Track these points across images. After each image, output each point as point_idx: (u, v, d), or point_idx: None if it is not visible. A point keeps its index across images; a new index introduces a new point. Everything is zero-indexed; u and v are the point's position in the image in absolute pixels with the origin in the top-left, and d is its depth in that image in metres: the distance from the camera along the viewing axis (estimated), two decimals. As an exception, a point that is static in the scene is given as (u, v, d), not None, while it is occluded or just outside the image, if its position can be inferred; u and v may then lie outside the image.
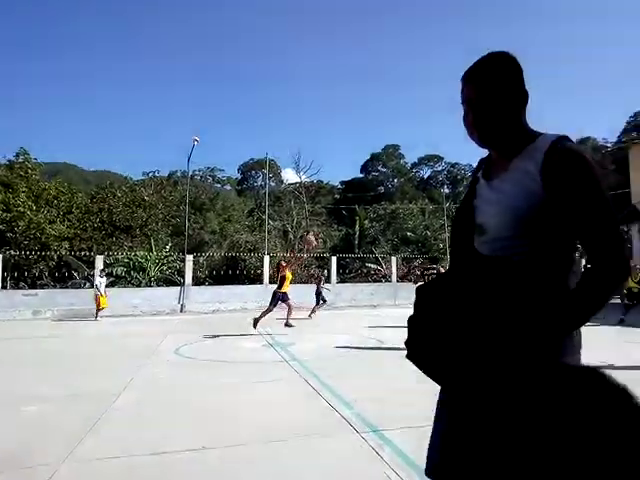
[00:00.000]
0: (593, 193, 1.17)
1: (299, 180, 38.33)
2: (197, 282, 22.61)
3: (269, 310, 11.42)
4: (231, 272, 22.36)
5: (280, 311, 12.83)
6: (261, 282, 21.31)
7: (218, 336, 10.86)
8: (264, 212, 26.44)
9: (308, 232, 33.56)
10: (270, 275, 21.93)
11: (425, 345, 1.23)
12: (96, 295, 15.87)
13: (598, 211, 1.16)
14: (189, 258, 20.41)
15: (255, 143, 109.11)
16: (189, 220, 26.80)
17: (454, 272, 1.38)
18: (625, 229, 20.57)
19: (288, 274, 11.57)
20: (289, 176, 76.47)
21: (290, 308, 11.58)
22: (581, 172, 1.18)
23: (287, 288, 11.53)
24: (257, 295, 20.40)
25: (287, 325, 11.38)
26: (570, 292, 1.19)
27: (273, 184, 50.69)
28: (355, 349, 8.57)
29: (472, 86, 1.33)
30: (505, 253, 1.25)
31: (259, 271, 22.50)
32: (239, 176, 59.85)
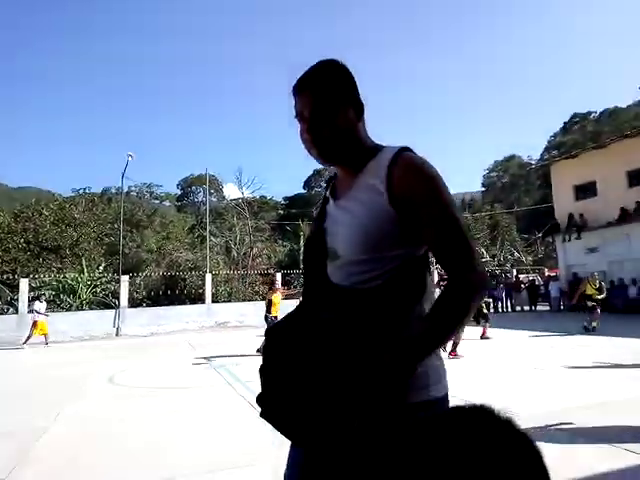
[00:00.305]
0: (437, 204, 1.10)
1: (241, 196, 37.86)
2: (134, 304, 21.50)
3: None
4: (170, 292, 21.50)
5: (222, 331, 12.46)
6: (203, 301, 20.65)
7: (157, 361, 10.33)
8: (205, 228, 25.78)
9: (252, 248, 33.20)
10: (213, 294, 21.31)
11: (277, 400, 1.08)
12: (34, 322, 14.27)
13: (444, 223, 1.09)
14: (124, 279, 19.40)
15: (195, 159, 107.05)
16: (124, 238, 25.58)
17: (304, 308, 1.22)
18: (550, 240, 22.11)
19: (275, 298, 10.88)
20: (231, 191, 75.40)
21: None
22: (424, 183, 1.11)
23: (277, 312, 10.74)
24: (199, 315, 19.74)
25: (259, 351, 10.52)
26: (428, 312, 1.09)
27: (214, 200, 49.67)
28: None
29: (304, 98, 1.19)
30: (359, 279, 1.14)
31: (201, 290, 21.81)
32: (178, 192, 58.21)
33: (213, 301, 20.89)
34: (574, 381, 6.33)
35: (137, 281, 23.46)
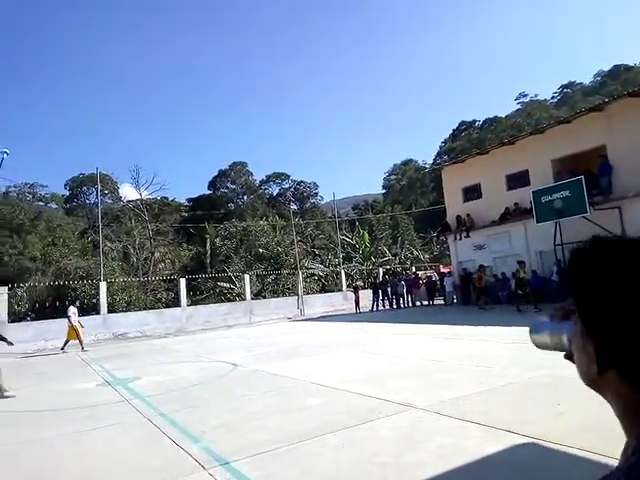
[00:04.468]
0: None
1: (140, 197, 35.58)
2: (16, 318, 19.20)
3: None
4: (59, 303, 19.49)
5: (120, 343, 11.46)
6: (98, 312, 19.02)
7: (44, 380, 9.27)
8: (99, 233, 23.80)
9: (153, 253, 31.38)
10: (109, 303, 19.74)
11: None
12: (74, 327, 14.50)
13: None
14: (2, 290, 17.20)
15: (85, 157, 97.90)
16: (3, 245, 22.78)
17: None
18: (444, 239, 23.87)
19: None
20: (128, 193, 70.45)
21: None
22: None
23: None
24: (94, 327, 18.15)
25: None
26: None
27: (109, 201, 46.08)
28: (207, 376, 8.13)
29: None
30: None
31: (95, 300, 20.08)
32: (67, 193, 53.07)
33: (110, 311, 19.35)
34: (466, 369, 6.85)
35: (19, 293, 20.96)
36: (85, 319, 18.70)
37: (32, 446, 4.83)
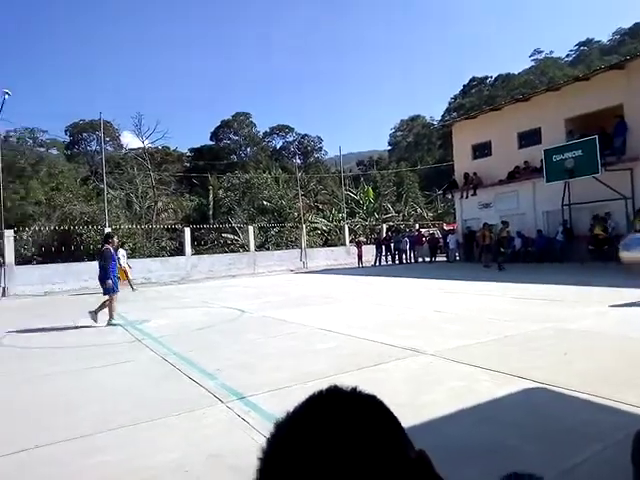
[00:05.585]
0: None
1: (142, 145, 34.94)
2: (23, 261, 19.39)
3: None
4: (65, 248, 19.61)
5: (127, 288, 11.68)
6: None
7: (54, 320, 9.47)
8: (101, 180, 23.55)
9: (156, 202, 31.25)
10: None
11: None
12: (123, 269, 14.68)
13: None
14: (9, 234, 17.25)
15: (84, 103, 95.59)
16: (5, 190, 22.61)
17: None
18: (449, 197, 23.68)
19: None
20: (129, 140, 69.32)
21: None
22: None
23: None
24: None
25: None
26: None
27: (111, 149, 45.44)
28: (215, 321, 8.29)
29: None
30: None
31: (100, 245, 20.17)
32: (67, 139, 52.19)
33: (115, 257, 19.50)
34: (472, 320, 6.96)
35: (24, 237, 21.06)
36: (91, 264, 18.93)
37: (52, 378, 4.98)
